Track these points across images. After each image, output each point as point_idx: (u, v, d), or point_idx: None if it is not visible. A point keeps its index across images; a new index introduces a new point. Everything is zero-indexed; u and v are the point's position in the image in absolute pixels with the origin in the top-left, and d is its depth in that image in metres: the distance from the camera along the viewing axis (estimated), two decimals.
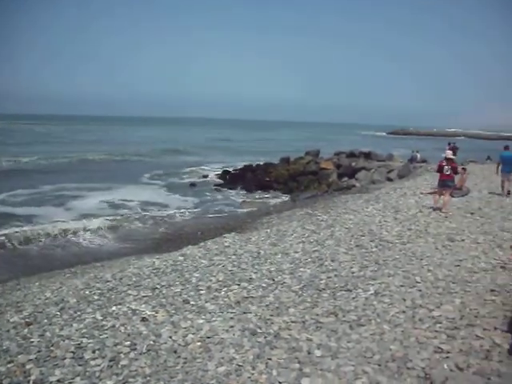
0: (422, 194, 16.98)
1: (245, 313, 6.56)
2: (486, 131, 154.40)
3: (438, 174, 14.45)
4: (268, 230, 12.75)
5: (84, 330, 6.24)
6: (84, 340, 5.90)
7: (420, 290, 7.00)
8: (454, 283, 7.29)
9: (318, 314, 6.33)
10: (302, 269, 8.54)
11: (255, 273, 8.48)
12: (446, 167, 14.16)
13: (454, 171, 14.22)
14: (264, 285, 7.76)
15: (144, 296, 7.65)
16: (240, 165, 40.31)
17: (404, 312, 6.22)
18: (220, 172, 38.24)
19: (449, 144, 30.44)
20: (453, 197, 15.21)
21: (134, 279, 8.75)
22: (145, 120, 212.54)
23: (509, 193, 16.82)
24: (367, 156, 34.73)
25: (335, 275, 8.02)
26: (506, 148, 17.74)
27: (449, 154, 14.86)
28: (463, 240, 10.21)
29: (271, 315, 6.41)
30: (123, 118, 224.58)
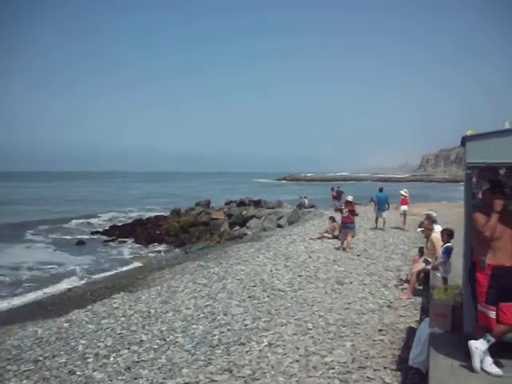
0: (310, 239, 17.39)
1: (135, 379, 6.25)
2: (372, 174, 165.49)
3: (341, 217, 15.19)
4: (159, 287, 12.39)
5: None
6: None
7: (312, 337, 7.05)
8: (344, 327, 7.44)
9: (212, 372, 6.16)
10: (194, 325, 8.35)
11: (146, 334, 8.17)
12: (345, 210, 14.90)
13: (352, 213, 14.93)
14: (155, 346, 7.48)
15: (25, 370, 7.13)
16: (130, 219, 39.46)
17: (298, 361, 6.20)
18: (108, 227, 37.03)
19: (332, 189, 31.80)
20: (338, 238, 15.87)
21: (13, 352, 8.13)
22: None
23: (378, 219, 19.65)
24: (257, 204, 35.36)
25: (228, 329, 7.90)
26: (381, 190, 20.74)
27: (349, 197, 15.79)
28: (351, 282, 10.53)
29: (164, 378, 6.15)
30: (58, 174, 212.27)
